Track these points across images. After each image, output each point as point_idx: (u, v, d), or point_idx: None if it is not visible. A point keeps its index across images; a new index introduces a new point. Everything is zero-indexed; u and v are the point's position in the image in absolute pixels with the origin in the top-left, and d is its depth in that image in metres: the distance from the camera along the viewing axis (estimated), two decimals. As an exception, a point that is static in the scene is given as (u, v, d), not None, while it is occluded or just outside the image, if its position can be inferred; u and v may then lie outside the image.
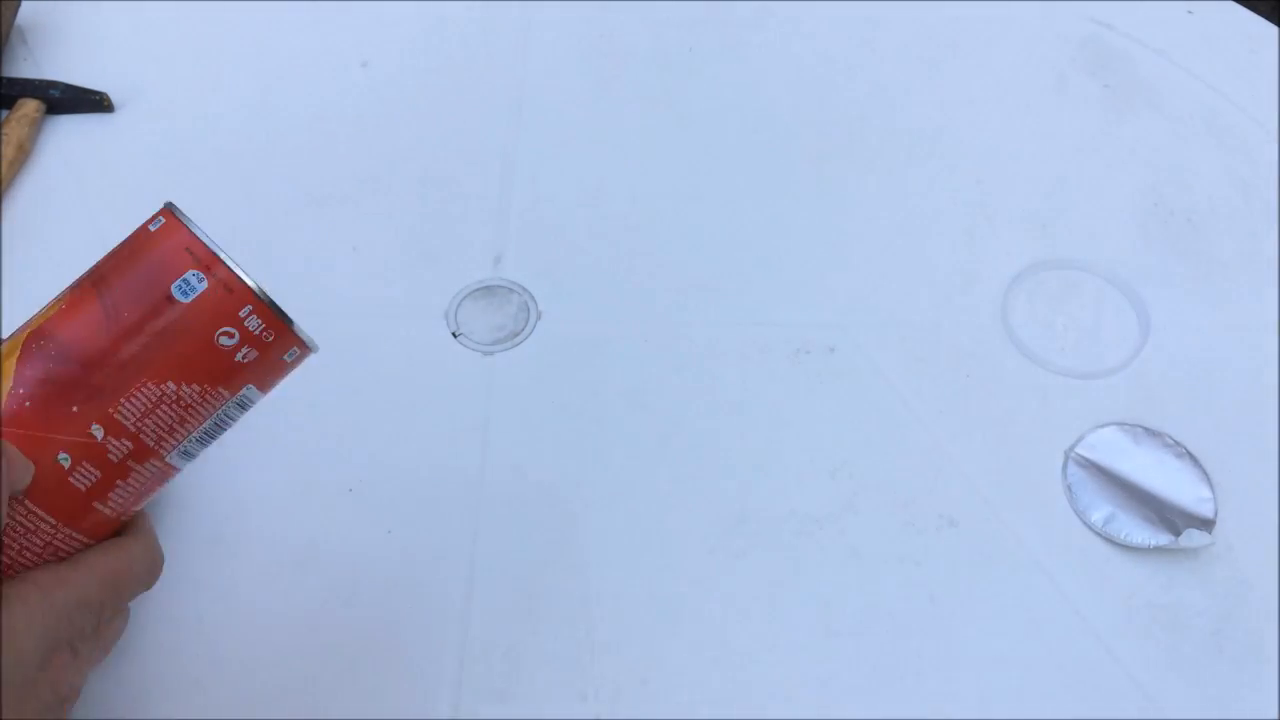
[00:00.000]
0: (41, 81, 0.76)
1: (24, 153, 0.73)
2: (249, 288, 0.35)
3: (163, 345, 0.35)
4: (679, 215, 0.74)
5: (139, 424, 0.35)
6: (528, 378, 0.65)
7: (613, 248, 0.72)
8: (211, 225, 0.72)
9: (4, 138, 0.72)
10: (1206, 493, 0.61)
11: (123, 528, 0.40)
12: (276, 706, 0.53)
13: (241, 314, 0.35)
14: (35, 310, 0.40)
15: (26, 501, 0.35)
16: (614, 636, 0.55)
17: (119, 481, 0.36)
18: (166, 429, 0.36)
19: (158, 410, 0.35)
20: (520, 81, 0.81)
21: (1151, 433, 0.64)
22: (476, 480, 0.60)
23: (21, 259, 0.69)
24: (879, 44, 0.84)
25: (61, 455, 0.34)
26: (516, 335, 0.67)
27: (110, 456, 0.35)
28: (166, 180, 0.74)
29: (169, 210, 0.37)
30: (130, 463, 0.36)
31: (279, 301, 0.36)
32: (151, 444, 0.36)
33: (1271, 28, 0.87)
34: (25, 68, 0.79)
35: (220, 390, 0.36)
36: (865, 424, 0.64)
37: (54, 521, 0.35)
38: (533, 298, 0.69)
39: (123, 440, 0.35)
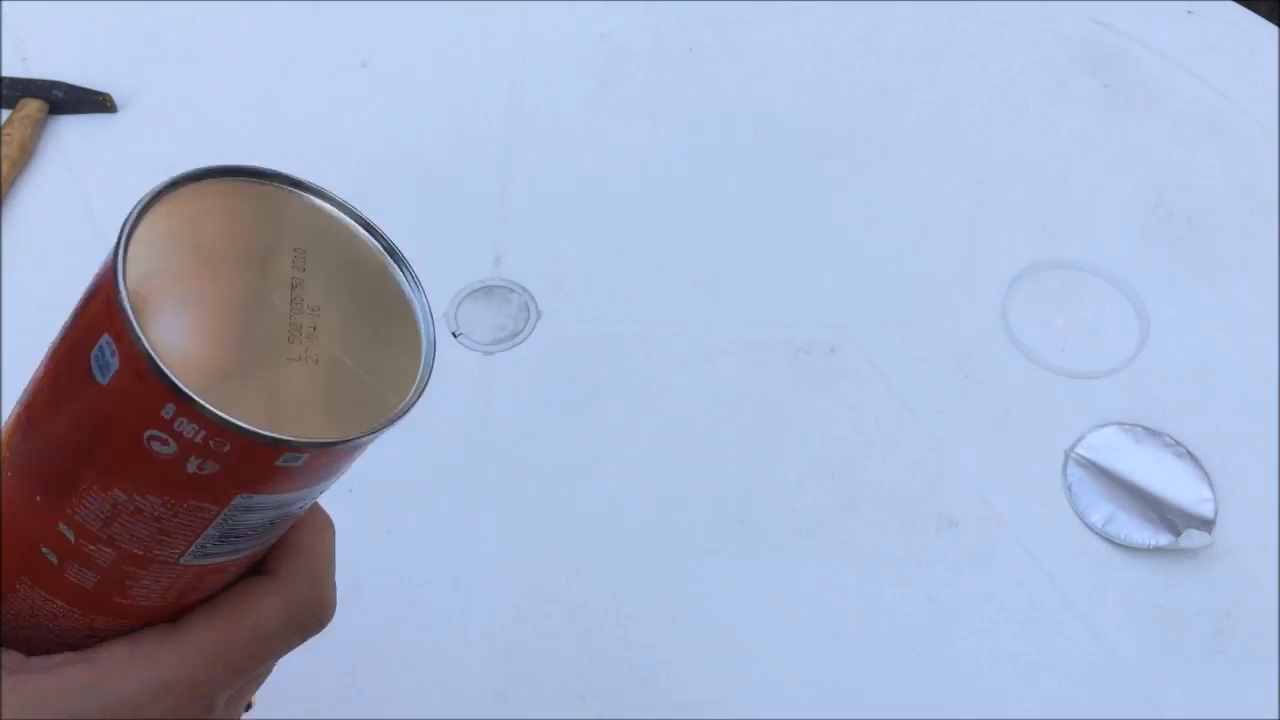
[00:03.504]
0: (44, 82, 0.76)
1: (26, 152, 0.73)
2: (164, 379, 0.23)
3: (87, 438, 0.25)
4: (679, 215, 0.74)
5: (108, 530, 0.26)
6: (528, 378, 0.65)
7: (613, 248, 0.72)
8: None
9: (6, 137, 0.72)
10: (1206, 493, 0.61)
11: (270, 555, 0.30)
12: (276, 706, 0.53)
13: (165, 415, 0.24)
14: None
15: (34, 585, 0.28)
16: (614, 636, 0.56)
17: (128, 582, 0.28)
18: (151, 538, 0.26)
19: (120, 519, 0.26)
20: (520, 81, 0.81)
21: (1151, 433, 0.64)
22: (476, 480, 0.60)
23: (22, 259, 0.69)
24: (879, 44, 0.84)
25: (45, 549, 0.27)
26: (516, 335, 0.67)
27: (98, 560, 0.27)
28: (167, 180, 0.74)
29: (119, 235, 0.25)
30: (128, 567, 0.27)
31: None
32: (141, 552, 0.27)
33: (1271, 28, 0.87)
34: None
35: (195, 503, 0.26)
36: (865, 424, 0.64)
37: (70, 609, 0.28)
38: (533, 298, 0.69)
39: (100, 546, 0.27)
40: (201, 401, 0.23)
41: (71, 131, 0.76)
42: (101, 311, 0.24)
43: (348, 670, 0.54)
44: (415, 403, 0.27)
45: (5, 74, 0.77)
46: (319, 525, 0.31)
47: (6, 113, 0.75)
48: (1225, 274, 0.72)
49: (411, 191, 0.74)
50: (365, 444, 0.26)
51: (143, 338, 0.23)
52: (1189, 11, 0.88)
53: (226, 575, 0.29)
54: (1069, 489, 0.62)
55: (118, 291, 0.23)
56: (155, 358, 0.23)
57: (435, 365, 0.28)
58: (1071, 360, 0.67)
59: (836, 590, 0.58)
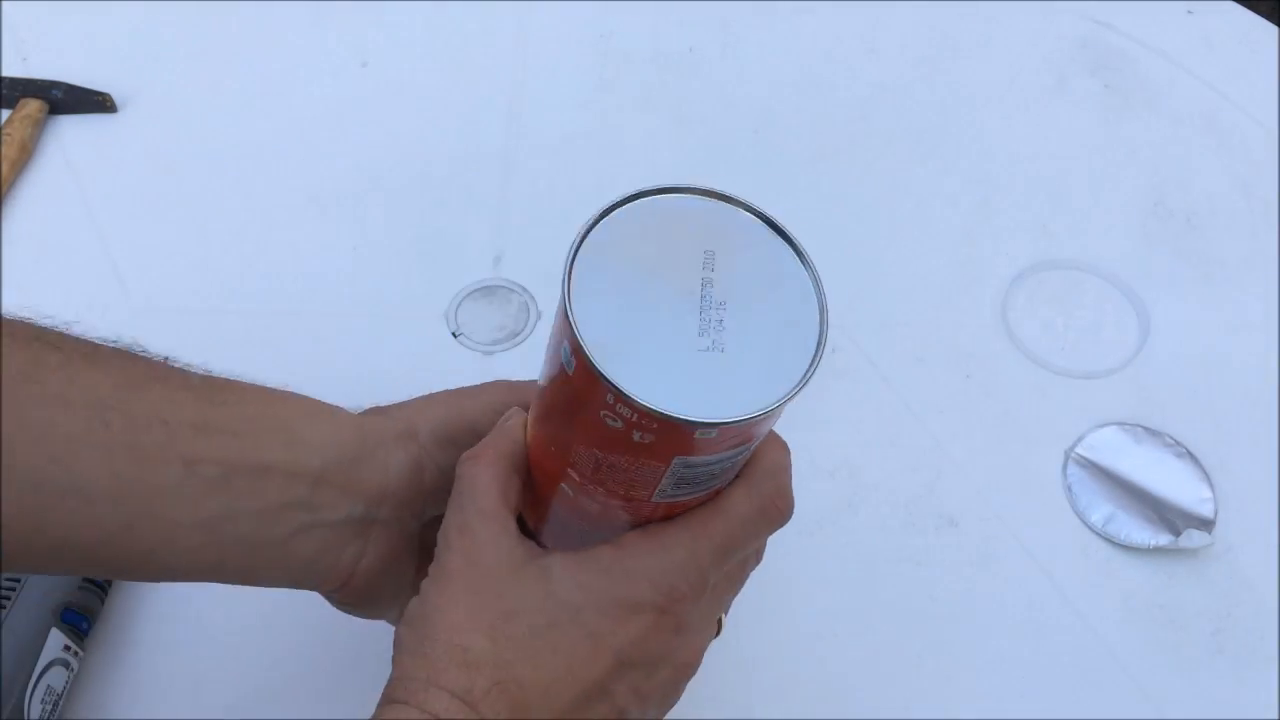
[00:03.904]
0: (44, 82, 0.76)
1: (26, 153, 0.73)
2: (603, 379, 0.30)
3: (569, 411, 0.34)
4: (679, 215, 0.74)
5: (597, 476, 0.34)
6: (528, 378, 0.65)
7: (613, 248, 0.72)
8: (213, 225, 0.72)
9: (6, 137, 0.72)
10: (1206, 493, 0.61)
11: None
12: (276, 707, 0.53)
13: (608, 400, 0.31)
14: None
15: (563, 509, 0.38)
16: (614, 636, 0.55)
17: (620, 511, 0.36)
18: (624, 485, 0.34)
19: (601, 470, 0.34)
20: (520, 81, 0.81)
21: (1151, 433, 0.64)
22: (477, 480, 0.60)
23: (22, 259, 0.69)
24: (879, 44, 0.85)
25: (564, 485, 0.36)
26: (516, 335, 0.67)
27: (595, 496, 0.36)
28: (168, 180, 0.74)
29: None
30: (614, 501, 0.35)
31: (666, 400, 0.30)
32: (622, 493, 0.35)
33: (1271, 28, 0.87)
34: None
35: (647, 462, 0.33)
36: (865, 424, 0.64)
37: (588, 527, 0.37)
38: (533, 298, 0.69)
39: (595, 486, 0.35)
40: (630, 394, 0.30)
41: (71, 131, 0.76)
42: (564, 322, 0.31)
43: (347, 671, 0.54)
44: (811, 375, 0.31)
45: (5, 74, 0.77)
46: (777, 444, 0.39)
47: (6, 113, 0.75)
48: (1225, 274, 0.72)
49: (411, 191, 0.74)
50: (767, 414, 0.31)
51: (586, 348, 0.30)
52: (1189, 11, 0.88)
53: (699, 501, 0.36)
54: (1069, 489, 0.62)
55: (568, 310, 0.31)
56: (596, 364, 0.30)
57: (824, 345, 0.32)
58: (1071, 360, 0.67)
59: (836, 590, 0.58)
